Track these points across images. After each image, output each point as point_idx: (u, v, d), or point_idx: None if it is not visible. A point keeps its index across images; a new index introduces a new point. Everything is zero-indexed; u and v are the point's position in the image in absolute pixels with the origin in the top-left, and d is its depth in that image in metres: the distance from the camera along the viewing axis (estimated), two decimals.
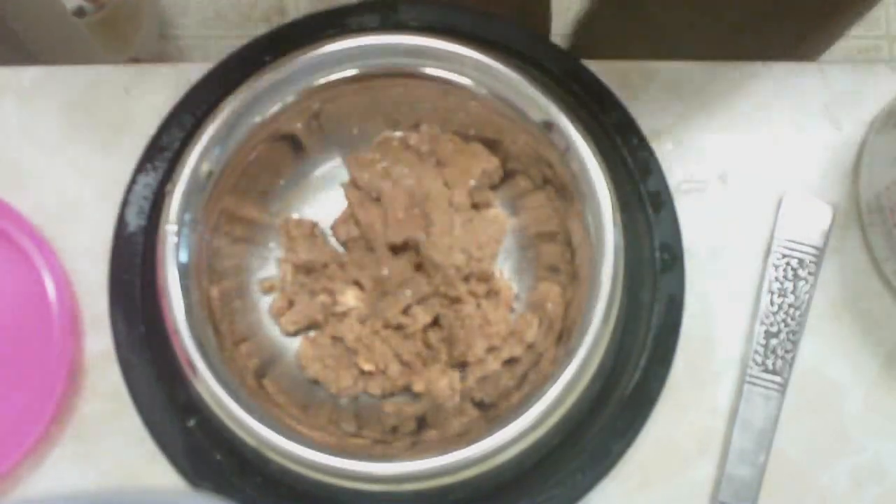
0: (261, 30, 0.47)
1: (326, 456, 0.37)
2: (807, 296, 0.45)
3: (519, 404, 0.39)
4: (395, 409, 0.43)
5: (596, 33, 0.67)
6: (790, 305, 0.44)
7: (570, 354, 0.38)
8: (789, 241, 0.45)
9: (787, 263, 0.45)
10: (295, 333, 0.45)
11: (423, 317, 0.43)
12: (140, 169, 0.45)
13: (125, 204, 0.45)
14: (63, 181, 0.46)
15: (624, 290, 0.40)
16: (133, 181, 0.45)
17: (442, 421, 0.42)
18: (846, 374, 0.45)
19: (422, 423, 0.43)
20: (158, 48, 1.05)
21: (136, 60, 0.97)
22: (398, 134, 0.46)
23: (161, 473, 0.43)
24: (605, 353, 0.39)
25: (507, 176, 0.46)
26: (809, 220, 0.45)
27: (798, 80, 0.48)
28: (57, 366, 0.43)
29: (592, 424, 0.42)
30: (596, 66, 0.46)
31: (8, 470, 0.42)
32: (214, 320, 0.41)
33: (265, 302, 0.45)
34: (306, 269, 0.44)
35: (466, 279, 0.43)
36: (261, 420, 0.38)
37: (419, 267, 0.44)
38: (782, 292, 0.45)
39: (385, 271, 0.43)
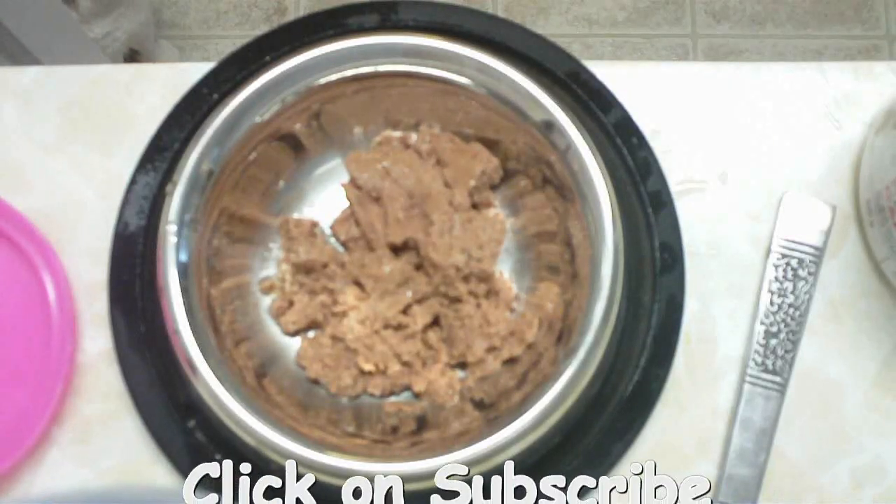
0: (261, 30, 0.47)
1: (326, 456, 0.37)
2: (807, 296, 0.45)
3: (519, 404, 0.39)
4: (395, 409, 0.43)
5: None
6: (790, 305, 0.44)
7: (570, 354, 0.38)
8: (789, 241, 0.45)
9: (787, 263, 0.45)
10: (295, 333, 0.45)
11: (423, 317, 0.43)
12: (140, 169, 0.45)
13: (125, 204, 0.45)
14: (63, 181, 0.46)
15: (624, 290, 0.40)
16: (133, 181, 0.45)
17: (442, 421, 0.42)
18: (846, 374, 0.45)
19: (422, 423, 0.42)
20: (158, 48, 1.05)
21: (134, 54, 0.97)
22: (398, 134, 0.46)
23: (161, 473, 0.43)
24: (605, 353, 0.39)
25: (507, 176, 0.46)
26: (809, 220, 0.45)
27: (798, 80, 0.48)
28: (57, 366, 0.43)
29: (592, 425, 0.42)
30: (596, 66, 0.46)
31: (8, 470, 0.42)
32: (214, 320, 0.41)
33: (265, 302, 0.45)
34: (306, 269, 0.44)
35: (466, 279, 0.43)
36: (261, 420, 0.38)
37: (419, 267, 0.44)
38: (782, 292, 0.45)
39: (385, 271, 0.43)
